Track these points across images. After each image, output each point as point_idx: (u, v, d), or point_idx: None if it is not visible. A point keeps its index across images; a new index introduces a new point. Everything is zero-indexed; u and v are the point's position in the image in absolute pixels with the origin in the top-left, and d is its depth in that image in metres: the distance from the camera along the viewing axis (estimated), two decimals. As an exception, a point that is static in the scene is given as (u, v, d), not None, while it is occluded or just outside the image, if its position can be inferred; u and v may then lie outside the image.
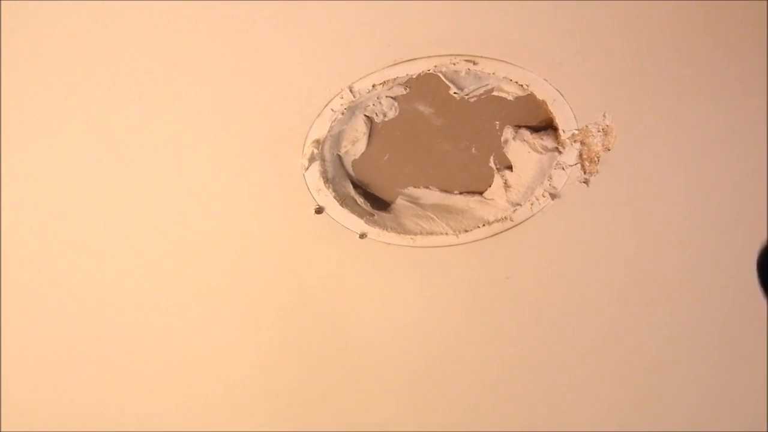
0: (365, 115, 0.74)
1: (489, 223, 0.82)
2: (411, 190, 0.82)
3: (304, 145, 0.73)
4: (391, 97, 0.73)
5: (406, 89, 0.72)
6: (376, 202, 0.82)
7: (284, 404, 1.03)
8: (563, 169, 0.78)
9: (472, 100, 0.73)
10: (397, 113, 0.74)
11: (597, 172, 0.78)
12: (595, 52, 0.68)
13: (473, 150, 0.78)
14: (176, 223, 0.79)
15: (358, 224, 0.81)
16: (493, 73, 0.70)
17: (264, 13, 0.63)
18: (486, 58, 0.68)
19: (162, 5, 0.62)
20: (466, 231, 0.82)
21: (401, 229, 0.82)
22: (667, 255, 0.88)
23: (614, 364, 1.01)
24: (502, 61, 0.69)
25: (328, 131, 0.73)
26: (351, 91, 0.69)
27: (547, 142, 0.76)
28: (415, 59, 0.68)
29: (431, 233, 0.82)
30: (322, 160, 0.75)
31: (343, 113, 0.72)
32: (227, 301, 0.89)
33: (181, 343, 0.93)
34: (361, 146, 0.76)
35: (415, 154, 0.78)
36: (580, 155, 0.77)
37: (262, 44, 0.65)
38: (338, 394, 1.03)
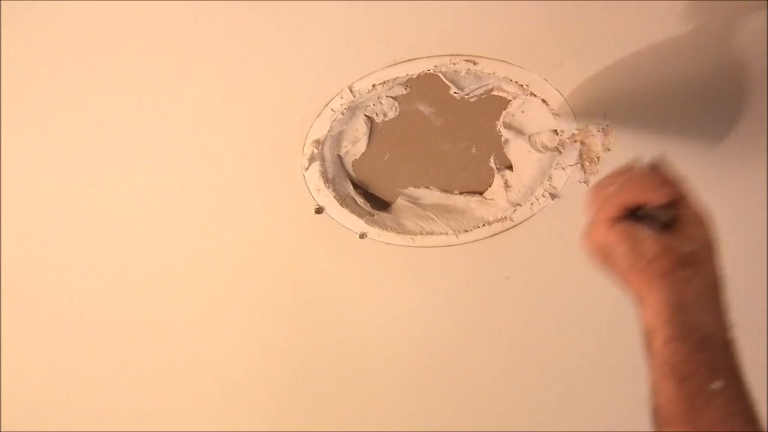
0: (365, 115, 0.74)
1: (489, 223, 0.82)
2: (411, 190, 0.82)
3: (304, 145, 0.73)
4: (391, 97, 0.73)
5: (406, 89, 0.72)
6: (376, 202, 0.82)
7: (283, 403, 1.03)
8: (563, 169, 0.78)
9: (472, 100, 0.73)
10: (397, 113, 0.74)
11: (597, 172, 0.77)
12: (595, 52, 0.68)
13: (473, 150, 0.78)
14: (176, 223, 0.79)
15: (358, 224, 0.81)
16: (493, 73, 0.70)
17: (264, 13, 0.63)
18: (486, 58, 0.68)
19: (162, 5, 0.62)
20: (466, 231, 0.82)
21: (401, 229, 0.82)
22: (667, 255, 0.88)
23: (614, 363, 1.01)
24: (502, 61, 0.68)
25: (328, 131, 0.73)
26: (351, 91, 0.69)
27: (548, 142, 0.76)
28: (415, 59, 0.68)
29: (431, 233, 0.82)
30: (322, 160, 0.75)
31: (343, 113, 0.71)
32: (227, 300, 0.89)
33: (180, 342, 0.93)
34: (361, 146, 0.76)
35: (415, 154, 0.78)
36: (580, 155, 0.77)
37: (262, 44, 0.65)
38: (337, 394, 1.03)
